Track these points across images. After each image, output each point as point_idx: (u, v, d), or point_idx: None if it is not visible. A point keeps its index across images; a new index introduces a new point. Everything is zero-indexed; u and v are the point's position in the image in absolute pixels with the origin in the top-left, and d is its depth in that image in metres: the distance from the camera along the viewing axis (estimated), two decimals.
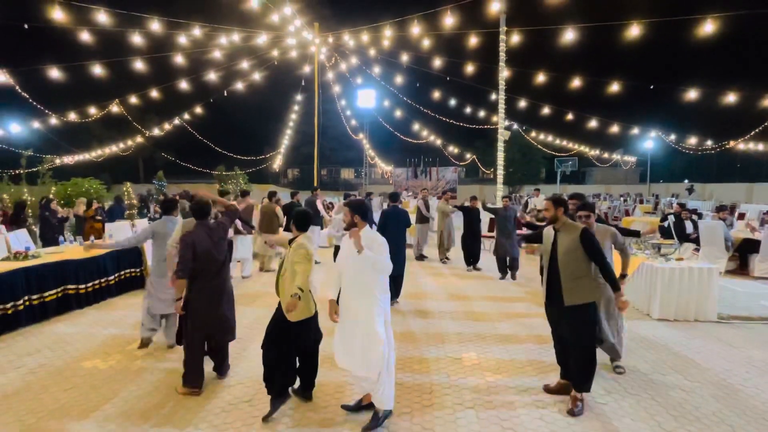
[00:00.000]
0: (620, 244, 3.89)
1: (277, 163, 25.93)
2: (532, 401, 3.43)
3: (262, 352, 3.26)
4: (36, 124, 14.74)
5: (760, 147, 17.99)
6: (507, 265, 7.72)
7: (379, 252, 3.01)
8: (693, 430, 3.05)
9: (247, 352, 4.37)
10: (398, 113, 21.71)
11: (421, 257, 9.85)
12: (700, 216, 11.28)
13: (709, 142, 19.98)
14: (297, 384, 3.42)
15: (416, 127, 22.29)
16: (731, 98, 12.28)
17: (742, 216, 12.10)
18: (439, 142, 23.57)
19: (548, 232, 3.51)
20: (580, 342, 3.27)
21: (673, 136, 22.18)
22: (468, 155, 27.10)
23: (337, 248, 5.98)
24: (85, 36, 9.93)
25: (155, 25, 10.28)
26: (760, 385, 3.73)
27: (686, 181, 32.61)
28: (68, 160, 18.31)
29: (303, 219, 3.35)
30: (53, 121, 14.80)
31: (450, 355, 4.35)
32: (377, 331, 2.99)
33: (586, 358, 3.27)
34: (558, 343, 3.55)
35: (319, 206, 9.17)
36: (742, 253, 8.35)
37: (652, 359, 4.24)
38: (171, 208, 4.67)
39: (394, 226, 5.86)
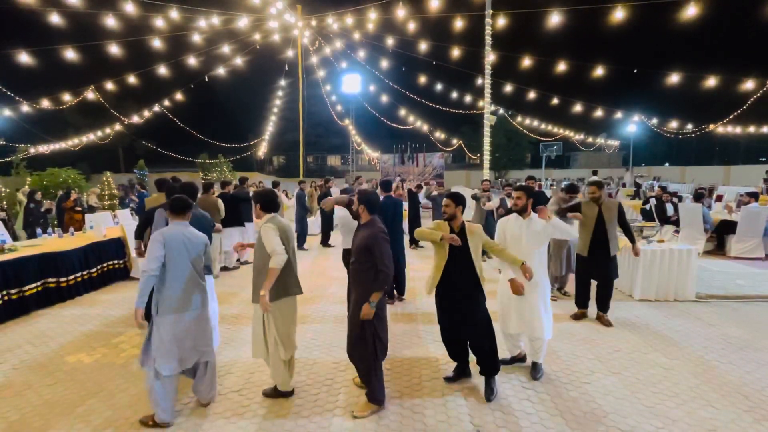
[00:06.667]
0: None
1: (262, 150, 25.50)
2: (519, 383, 3.51)
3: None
4: (7, 112, 14.12)
5: (738, 130, 18.41)
6: None
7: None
8: (671, 405, 3.16)
9: (235, 342, 4.35)
10: (384, 99, 21.51)
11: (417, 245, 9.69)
12: (680, 199, 11.53)
13: (689, 126, 20.34)
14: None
15: (402, 112, 22.12)
16: (711, 82, 12.48)
17: (720, 198, 12.44)
18: (425, 127, 23.46)
19: (593, 207, 4.66)
20: (613, 277, 4.74)
21: (655, 120, 22.51)
22: (454, 141, 27.10)
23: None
24: (56, 18, 9.46)
25: (130, 7, 9.86)
26: (735, 361, 3.88)
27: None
28: (43, 149, 17.69)
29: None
30: (25, 108, 14.20)
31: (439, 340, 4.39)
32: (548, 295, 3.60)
33: (612, 288, 4.82)
34: (585, 285, 4.91)
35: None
36: (720, 234, 8.59)
37: (634, 339, 4.37)
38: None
39: (390, 219, 5.15)
